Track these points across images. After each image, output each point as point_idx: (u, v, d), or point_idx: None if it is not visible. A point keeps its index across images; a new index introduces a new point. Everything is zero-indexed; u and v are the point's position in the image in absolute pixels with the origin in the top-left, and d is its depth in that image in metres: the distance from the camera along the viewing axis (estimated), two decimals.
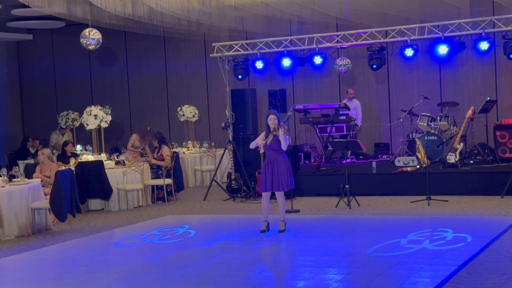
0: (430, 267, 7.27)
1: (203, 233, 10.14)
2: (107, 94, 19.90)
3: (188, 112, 17.18)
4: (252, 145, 9.77)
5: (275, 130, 9.42)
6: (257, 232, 9.63)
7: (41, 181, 11.19)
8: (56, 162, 12.34)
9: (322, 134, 15.14)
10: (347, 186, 11.69)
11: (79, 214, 11.38)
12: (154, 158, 13.50)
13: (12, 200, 10.33)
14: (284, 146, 9.46)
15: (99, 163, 12.61)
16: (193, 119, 17.33)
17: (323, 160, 14.91)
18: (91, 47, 12.72)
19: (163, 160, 13.36)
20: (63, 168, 11.93)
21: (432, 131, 13.94)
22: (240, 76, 14.43)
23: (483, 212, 10.63)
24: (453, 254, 7.81)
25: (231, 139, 13.93)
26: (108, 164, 12.99)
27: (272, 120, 9.47)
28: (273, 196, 9.91)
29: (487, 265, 7.28)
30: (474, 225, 9.59)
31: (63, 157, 13.81)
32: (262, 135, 9.64)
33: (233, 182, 13.41)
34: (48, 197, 10.47)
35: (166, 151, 13.48)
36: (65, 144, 14.47)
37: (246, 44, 14.29)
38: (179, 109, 17.32)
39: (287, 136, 9.54)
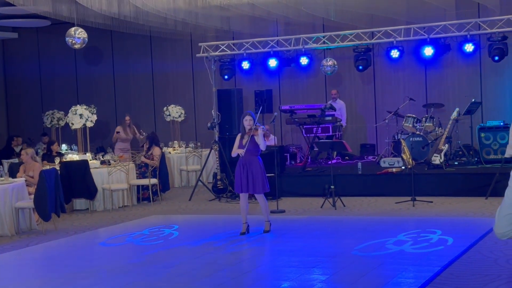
0: (414, 268, 7.30)
1: (187, 234, 10.13)
2: (93, 94, 19.85)
3: (174, 112, 17.16)
4: (234, 154, 9.63)
5: (252, 130, 9.36)
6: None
7: (25, 180, 11.13)
8: (40, 162, 12.27)
9: (308, 135, 15.18)
10: (332, 186, 11.72)
11: (64, 213, 11.35)
12: (144, 156, 13.50)
13: None
14: (263, 146, 9.38)
15: (84, 163, 12.56)
16: (179, 119, 17.31)
17: (309, 160, 14.94)
18: (76, 46, 12.67)
19: (153, 160, 13.36)
20: (47, 167, 11.88)
21: (417, 132, 14.01)
22: (226, 76, 14.45)
23: (467, 213, 10.69)
24: (437, 254, 7.84)
25: (217, 139, 13.92)
26: (93, 163, 12.94)
27: (248, 120, 9.39)
28: (252, 196, 9.87)
29: (470, 266, 7.32)
30: (458, 226, 9.64)
31: (49, 156, 13.74)
32: (238, 137, 9.56)
33: (219, 182, 13.40)
34: (32, 196, 10.41)
35: (156, 151, 13.48)
36: (51, 143, 14.40)
37: (233, 44, 14.30)
38: (165, 109, 17.30)
39: (272, 136, 9.51)
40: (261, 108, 10.42)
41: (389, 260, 7.72)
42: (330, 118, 15.14)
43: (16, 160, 15.02)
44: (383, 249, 8.26)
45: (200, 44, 14.34)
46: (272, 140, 14.25)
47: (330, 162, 12.54)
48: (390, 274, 7.09)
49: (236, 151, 9.47)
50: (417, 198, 11.68)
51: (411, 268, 7.29)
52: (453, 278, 6.83)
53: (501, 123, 13.53)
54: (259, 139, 9.32)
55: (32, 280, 7.70)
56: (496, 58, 12.61)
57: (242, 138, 9.48)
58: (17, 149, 17.31)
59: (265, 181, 9.48)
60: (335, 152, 15.13)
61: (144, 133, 15.00)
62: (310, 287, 6.76)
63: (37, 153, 16.58)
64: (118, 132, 15.68)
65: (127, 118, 15.94)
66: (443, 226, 9.55)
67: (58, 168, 12.02)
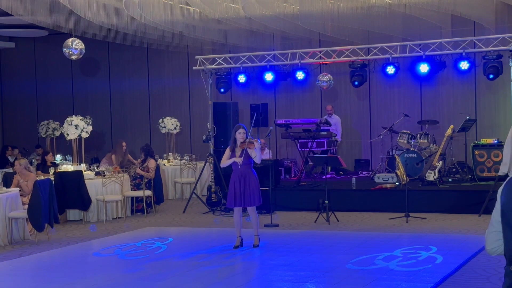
0: (406, 284, 7.30)
1: (181, 246, 10.11)
2: (89, 105, 19.85)
3: (170, 124, 17.17)
4: (225, 164, 9.52)
5: (245, 143, 9.31)
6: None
7: (20, 190, 11.10)
8: (34, 172, 12.25)
9: (303, 149, 15.20)
10: (326, 201, 11.73)
11: (57, 224, 11.31)
12: (139, 168, 13.50)
13: None
14: (258, 159, 9.33)
15: (79, 173, 12.55)
16: (175, 131, 17.32)
17: (304, 175, 14.95)
18: (73, 57, 12.67)
19: (148, 172, 13.36)
20: (42, 177, 11.86)
21: (412, 149, 14.05)
22: (222, 90, 14.47)
23: (461, 230, 10.71)
24: (430, 271, 7.85)
25: (212, 152, 13.93)
26: (88, 174, 12.93)
27: (242, 134, 9.34)
28: (244, 209, 9.86)
29: (463, 284, 7.33)
30: (451, 242, 9.65)
31: (43, 167, 13.72)
32: (229, 149, 9.45)
33: (213, 195, 13.40)
34: (26, 206, 10.39)
35: (152, 163, 13.48)
36: (45, 153, 14.38)
37: (229, 57, 14.34)
38: (160, 120, 17.31)
39: (267, 150, 9.52)
40: (255, 118, 10.37)
41: (382, 276, 7.72)
42: (325, 133, 15.17)
43: (10, 170, 15.00)
44: (376, 265, 8.26)
45: (196, 57, 14.38)
46: (267, 154, 14.27)
47: (324, 177, 12.55)
48: None
49: (231, 160, 9.37)
50: (411, 214, 11.70)
51: (404, 285, 7.29)
52: None
53: (495, 141, 13.58)
54: (256, 152, 9.27)
55: None
56: (491, 76, 12.67)
57: (233, 151, 9.41)
58: (11, 159, 17.29)
59: (259, 193, 9.47)
60: (329, 167, 15.16)
61: (138, 165, 14.11)
62: None
63: (31, 163, 16.58)
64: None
65: (124, 144, 15.07)
66: (437, 243, 9.56)
67: (52, 178, 12.00)
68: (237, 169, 9.36)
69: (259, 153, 9.28)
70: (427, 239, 9.86)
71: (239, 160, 9.27)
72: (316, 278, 7.77)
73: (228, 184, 9.58)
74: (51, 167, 13.22)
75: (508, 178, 3.15)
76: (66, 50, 12.59)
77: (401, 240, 10.06)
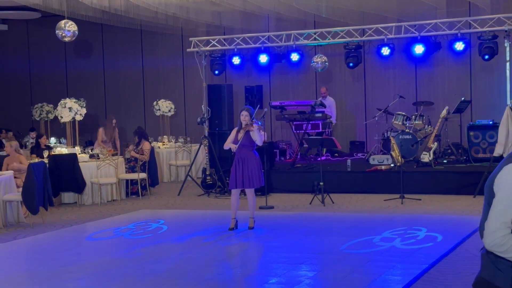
0: (401, 265, 7.31)
1: (176, 229, 10.11)
2: (83, 87, 19.76)
3: (164, 106, 17.10)
4: (226, 147, 9.69)
5: (247, 126, 9.39)
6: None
7: (13, 172, 11.06)
8: (23, 155, 12.20)
9: (298, 131, 15.16)
10: (321, 183, 11.72)
11: (52, 207, 11.30)
12: (134, 151, 13.47)
13: None
14: (259, 142, 9.45)
15: (73, 156, 12.51)
16: (169, 114, 17.26)
17: (299, 157, 14.93)
18: (66, 39, 12.59)
19: (142, 154, 13.33)
20: (36, 160, 11.81)
21: (407, 130, 14.03)
22: (216, 72, 14.39)
23: (455, 211, 10.72)
24: (425, 252, 7.86)
25: (206, 134, 13.90)
26: (82, 157, 12.89)
27: (244, 116, 9.45)
28: (242, 192, 9.89)
29: (457, 264, 7.34)
30: (446, 224, 9.66)
31: (37, 150, 13.67)
32: (234, 130, 9.62)
33: (208, 177, 13.38)
34: (20, 189, 10.36)
35: (146, 145, 13.45)
36: (39, 136, 14.32)
37: (223, 39, 14.26)
38: (155, 103, 17.24)
39: (262, 132, 9.54)
40: (258, 107, 10.41)
41: (377, 257, 7.73)
42: (320, 114, 15.13)
43: (4, 153, 14.94)
44: (371, 246, 8.27)
45: (190, 38, 14.29)
46: (262, 136, 14.22)
47: (319, 159, 12.53)
48: (378, 271, 7.10)
49: (228, 145, 9.50)
50: (406, 195, 11.70)
51: (399, 266, 7.30)
52: (441, 276, 6.85)
53: (490, 122, 13.56)
54: (255, 135, 9.35)
55: (18, 273, 7.67)
56: (486, 57, 12.62)
57: (238, 132, 9.51)
58: (5, 142, 17.22)
59: (261, 175, 9.52)
60: (324, 149, 15.13)
61: (131, 146, 14.10)
62: (298, 283, 6.76)
63: (26, 146, 16.54)
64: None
65: (114, 120, 15.35)
66: (431, 224, 9.57)
67: (46, 161, 11.96)
68: (238, 151, 9.44)
69: (258, 136, 9.38)
70: (421, 221, 9.87)
71: (233, 147, 9.38)
72: (310, 260, 7.77)
73: (222, 167, 9.60)
74: (45, 150, 13.17)
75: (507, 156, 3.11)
76: (59, 32, 12.50)
77: (396, 221, 10.06)
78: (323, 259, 7.83)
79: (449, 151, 14.18)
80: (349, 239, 8.68)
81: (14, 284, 7.17)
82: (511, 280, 2.90)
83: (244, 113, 9.46)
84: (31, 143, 17.13)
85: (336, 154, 15.77)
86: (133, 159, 13.43)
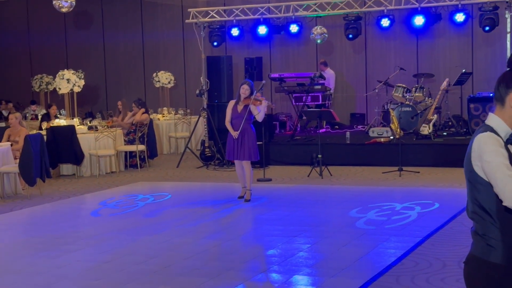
0: (396, 238, 7.32)
1: (174, 201, 10.12)
2: (83, 59, 19.67)
3: (164, 78, 17.03)
4: (228, 126, 9.53)
5: (249, 99, 9.37)
6: (228, 200, 9.69)
7: (11, 144, 11.06)
8: (26, 127, 12.19)
9: (298, 103, 15.10)
10: (319, 155, 11.70)
11: (50, 179, 11.31)
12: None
13: None
14: (260, 118, 9.50)
15: (71, 128, 12.50)
16: (169, 85, 17.19)
17: (298, 129, 14.88)
18: (64, 10, 12.49)
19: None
20: (34, 132, 11.80)
21: (406, 102, 13.95)
22: (215, 43, 14.30)
23: (453, 184, 10.70)
24: (419, 225, 7.86)
25: (205, 106, 13.85)
26: (81, 129, 12.87)
27: (244, 89, 9.44)
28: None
29: (452, 237, 7.34)
30: (442, 196, 9.65)
31: (48, 119, 13.74)
32: (231, 103, 9.59)
33: (207, 149, 13.36)
34: (18, 161, 10.36)
35: (138, 116, 13.43)
36: (49, 106, 14.44)
37: (223, 10, 14.14)
38: (154, 75, 17.17)
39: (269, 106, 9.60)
40: (262, 84, 10.35)
41: (372, 230, 7.73)
42: (319, 86, 15.06)
43: (3, 124, 14.94)
44: (366, 219, 8.27)
45: (189, 9, 14.18)
46: (264, 114, 14.17)
47: (318, 131, 12.48)
48: (372, 244, 7.11)
49: (231, 131, 9.44)
50: (404, 168, 11.68)
51: (393, 239, 7.30)
52: (435, 248, 6.85)
53: (491, 94, 13.46)
54: (261, 111, 9.42)
55: (15, 244, 7.68)
56: (487, 28, 12.51)
57: (236, 104, 9.47)
58: (5, 113, 17.22)
59: (256, 150, 9.52)
60: (324, 121, 15.08)
61: (115, 118, 13.86)
62: (293, 255, 6.77)
63: (25, 118, 16.54)
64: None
65: (119, 103, 14.67)
66: (428, 196, 9.57)
67: (44, 133, 11.95)
68: (236, 123, 9.44)
69: (262, 113, 9.44)
70: (419, 193, 9.87)
71: (234, 134, 9.37)
72: (305, 232, 7.78)
73: (221, 139, 9.61)
74: (56, 119, 13.19)
75: (478, 127, 3.06)
76: (56, 3, 12.40)
77: (394, 194, 10.06)
78: (318, 231, 7.83)
79: (449, 123, 14.12)
80: (345, 212, 8.68)
81: (11, 255, 7.19)
82: (502, 254, 2.90)
83: (245, 86, 9.46)
84: (31, 114, 17.13)
85: (336, 127, 15.72)
86: (132, 130, 13.41)
